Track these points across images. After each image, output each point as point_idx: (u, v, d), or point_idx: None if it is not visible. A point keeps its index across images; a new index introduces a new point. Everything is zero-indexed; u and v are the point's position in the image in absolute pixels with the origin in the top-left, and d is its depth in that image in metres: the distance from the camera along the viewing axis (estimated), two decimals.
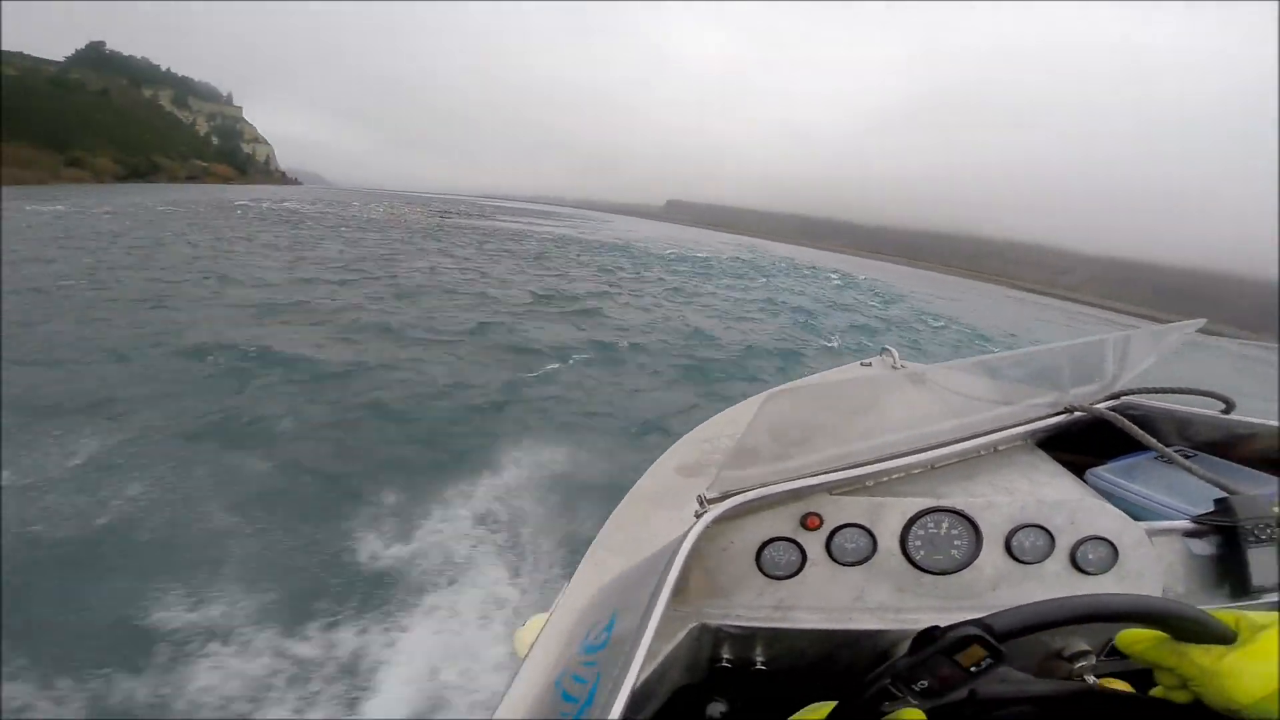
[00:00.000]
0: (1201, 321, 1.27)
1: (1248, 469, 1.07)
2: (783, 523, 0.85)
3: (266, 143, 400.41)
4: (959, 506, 0.87)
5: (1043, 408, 1.12)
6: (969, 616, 0.55)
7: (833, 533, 0.84)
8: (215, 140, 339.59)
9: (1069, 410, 1.11)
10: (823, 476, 0.85)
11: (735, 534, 0.84)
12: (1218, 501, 0.87)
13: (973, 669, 0.52)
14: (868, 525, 0.85)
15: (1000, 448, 1.06)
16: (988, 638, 0.52)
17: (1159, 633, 0.58)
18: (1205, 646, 0.56)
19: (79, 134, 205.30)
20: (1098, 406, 1.12)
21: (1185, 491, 0.96)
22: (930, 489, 0.92)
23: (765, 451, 0.86)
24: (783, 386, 1.21)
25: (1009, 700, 0.57)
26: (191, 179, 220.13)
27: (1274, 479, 1.02)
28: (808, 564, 0.84)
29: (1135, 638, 0.61)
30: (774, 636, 0.79)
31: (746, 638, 0.78)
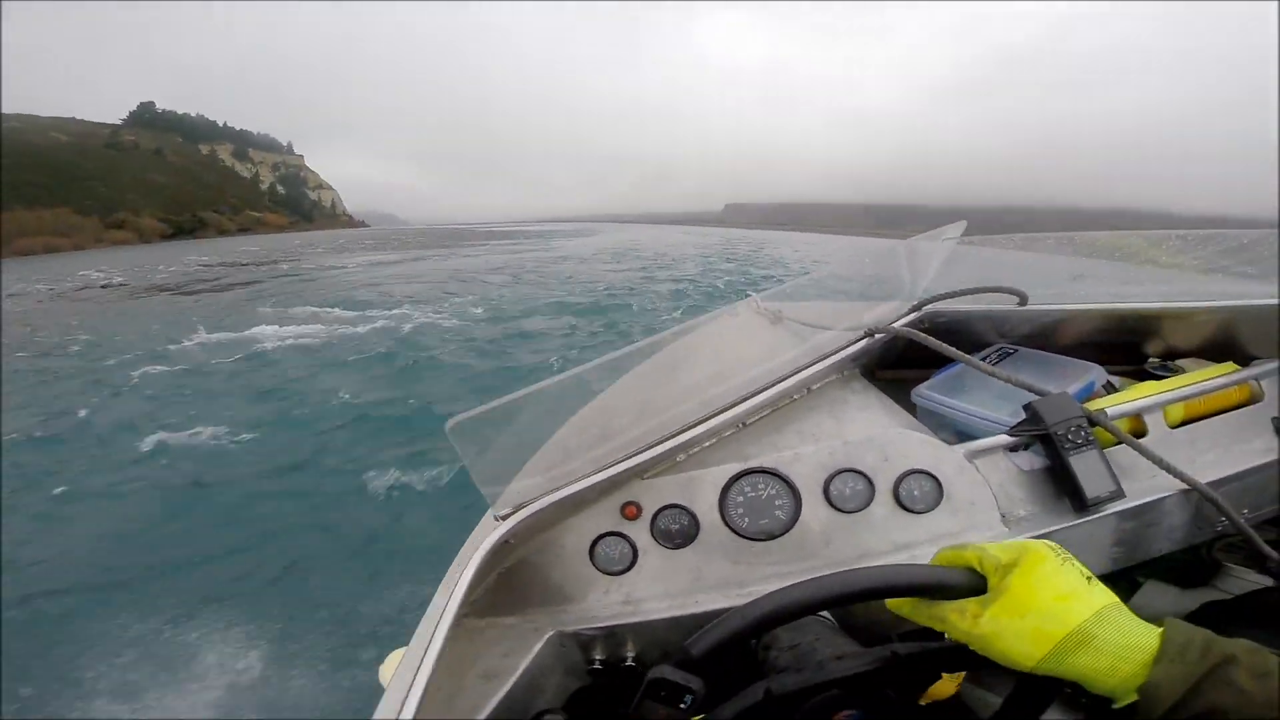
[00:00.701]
0: (963, 224, 1.33)
1: (1066, 358, 1.08)
2: (605, 517, 0.84)
3: (330, 188, 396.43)
4: (768, 465, 0.85)
5: (848, 334, 1.09)
6: (811, 576, 0.53)
7: (654, 517, 0.84)
8: (281, 189, 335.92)
9: (870, 333, 1.09)
10: (630, 461, 0.84)
11: (566, 536, 0.83)
12: (1025, 407, 0.85)
13: (681, 705, 0.51)
14: (684, 504, 0.84)
15: (813, 386, 1.03)
16: (672, 678, 0.51)
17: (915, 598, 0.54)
18: (957, 604, 0.52)
19: (129, 195, 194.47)
20: (895, 325, 1.10)
21: (1008, 397, 0.93)
22: (740, 450, 0.90)
23: (577, 446, 0.86)
24: (604, 358, 1.10)
25: (810, 689, 0.55)
26: (244, 230, 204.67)
27: (1093, 366, 1.04)
28: (640, 554, 0.82)
29: (896, 604, 0.56)
30: (632, 631, 0.77)
31: (607, 637, 0.77)
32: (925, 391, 1.04)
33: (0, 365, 9.07)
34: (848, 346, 1.08)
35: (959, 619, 0.50)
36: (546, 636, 0.74)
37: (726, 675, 0.56)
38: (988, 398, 0.98)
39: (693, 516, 0.84)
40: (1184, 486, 0.79)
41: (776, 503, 0.84)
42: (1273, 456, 0.86)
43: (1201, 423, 0.91)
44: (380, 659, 0.68)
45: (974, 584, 0.52)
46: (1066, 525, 0.78)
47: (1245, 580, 0.87)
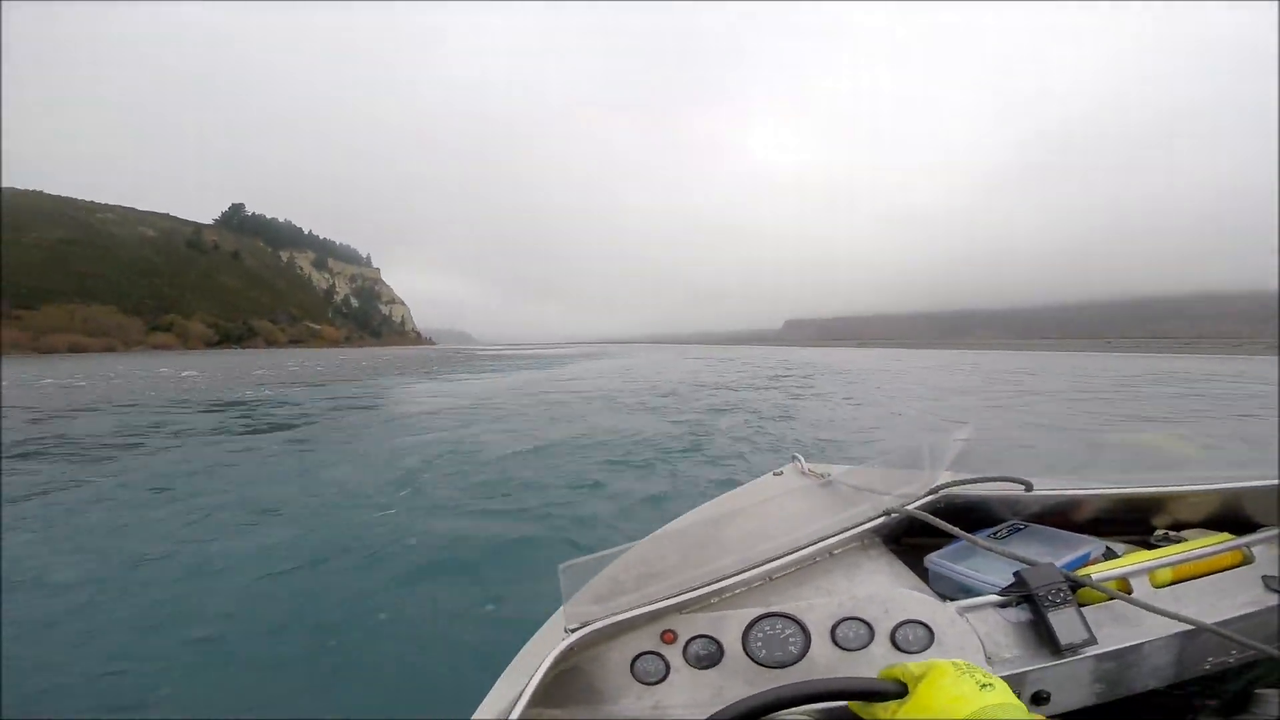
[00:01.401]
0: (970, 426, 1.38)
1: (1069, 533, 1.22)
2: (647, 639, 0.99)
3: (403, 303, 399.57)
4: (786, 610, 1.00)
5: (873, 509, 1.27)
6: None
7: (687, 644, 0.98)
8: (354, 302, 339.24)
9: (888, 512, 1.25)
10: (673, 599, 1.00)
11: (613, 651, 0.98)
12: (1015, 574, 0.99)
13: None
14: (713, 634, 0.98)
15: (835, 551, 1.19)
16: None
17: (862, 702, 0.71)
18: (885, 704, 0.68)
19: (190, 296, 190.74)
20: (910, 506, 1.26)
21: (1008, 567, 1.06)
22: (765, 598, 1.05)
23: (629, 583, 1.04)
24: (668, 527, 1.40)
25: None
26: (295, 343, 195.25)
27: (1092, 540, 1.18)
28: (671, 671, 0.96)
29: (855, 706, 0.73)
30: None
31: None
32: (935, 558, 1.19)
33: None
34: (868, 522, 1.24)
35: (881, 712, 0.68)
36: None
37: None
38: (992, 565, 1.11)
39: (719, 645, 0.98)
40: (1167, 633, 0.93)
41: (791, 640, 0.98)
42: (1258, 607, 0.98)
43: (1190, 582, 1.03)
44: None
45: (898, 691, 0.68)
46: (1045, 665, 0.90)
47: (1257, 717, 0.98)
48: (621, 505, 5.38)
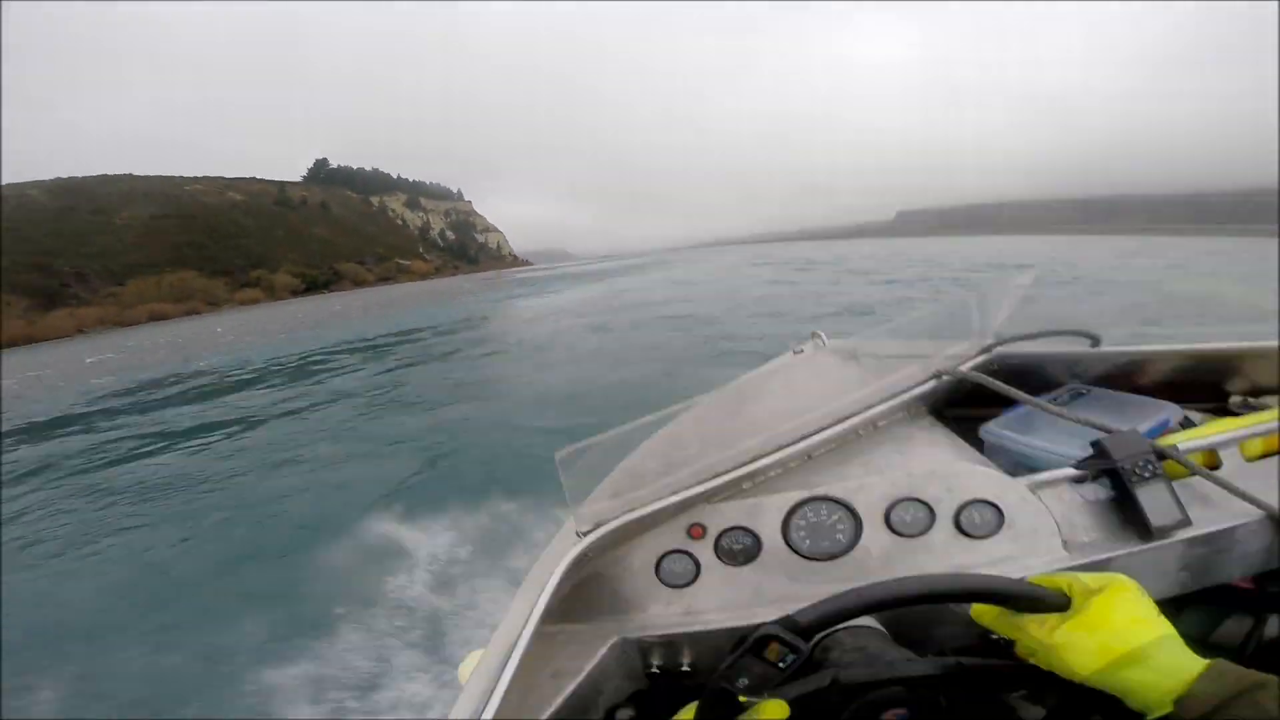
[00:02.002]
0: (1034, 270, 1.29)
1: (1141, 397, 1.07)
2: (672, 536, 0.89)
3: (498, 230, 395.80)
4: (831, 493, 0.88)
5: (916, 375, 1.13)
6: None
7: (718, 537, 0.88)
8: (450, 235, 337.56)
9: (937, 374, 1.12)
10: (699, 487, 0.90)
11: (635, 553, 0.89)
12: (1093, 444, 0.86)
13: (779, 664, 0.55)
14: (749, 525, 0.88)
15: (880, 423, 1.07)
16: (783, 635, 0.55)
17: (1000, 607, 0.59)
18: (1040, 617, 0.57)
19: (278, 251, 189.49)
20: (962, 368, 1.12)
21: (1077, 435, 0.94)
22: (805, 480, 0.94)
23: (649, 472, 0.92)
24: (683, 404, 1.22)
25: (874, 684, 0.58)
26: (385, 280, 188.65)
27: (1167, 404, 1.03)
28: (702, 570, 0.87)
29: (980, 611, 0.62)
30: (689, 640, 0.83)
31: (665, 645, 0.83)
32: (993, 428, 1.05)
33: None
34: (915, 387, 1.10)
35: (1037, 629, 0.57)
36: (610, 642, 0.81)
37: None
38: (1056, 435, 0.99)
39: (755, 537, 0.88)
40: (1261, 514, 0.80)
41: (839, 527, 0.87)
42: None
43: None
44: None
45: (1059, 603, 0.57)
46: (1130, 551, 0.79)
47: None
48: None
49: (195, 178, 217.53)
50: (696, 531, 0.89)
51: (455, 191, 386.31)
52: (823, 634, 0.65)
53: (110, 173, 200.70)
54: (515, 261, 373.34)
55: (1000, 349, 1.20)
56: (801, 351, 1.58)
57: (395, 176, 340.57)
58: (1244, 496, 0.80)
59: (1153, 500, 0.80)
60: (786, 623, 0.56)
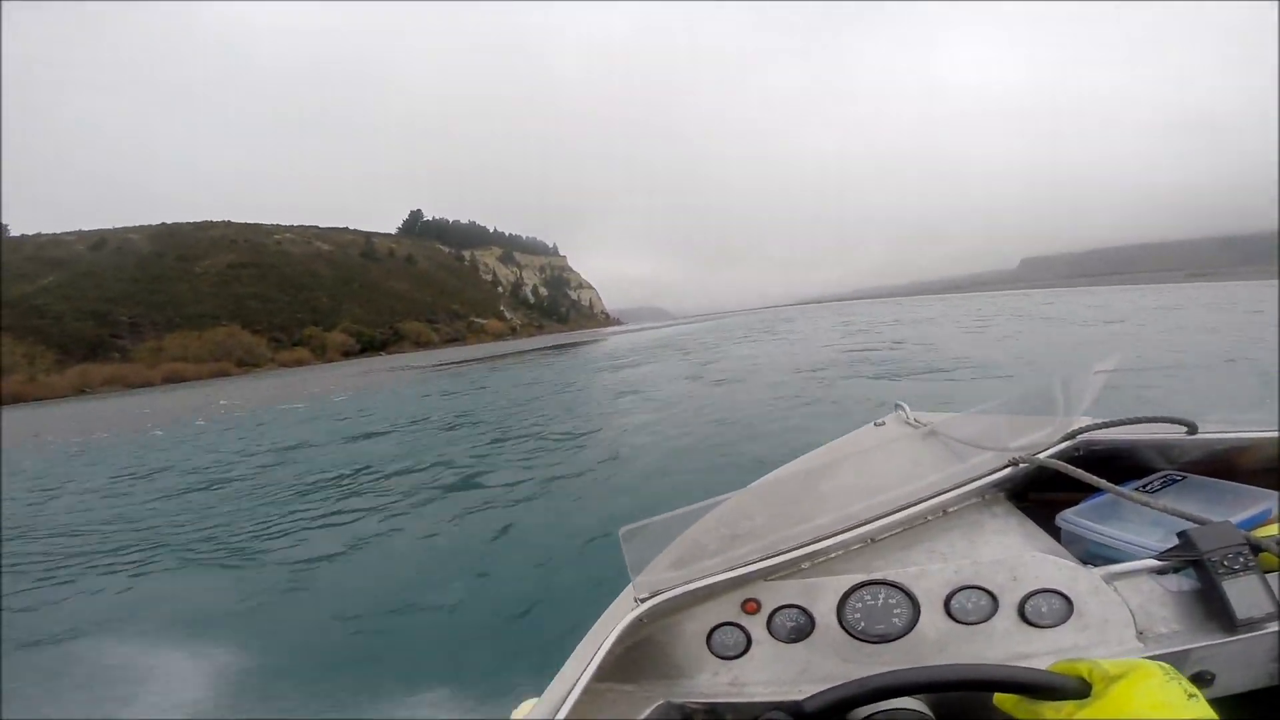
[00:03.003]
0: (1118, 356, 1.31)
1: (1241, 485, 1.02)
2: (727, 609, 0.90)
3: (590, 287, 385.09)
4: (890, 578, 0.88)
5: (992, 461, 1.11)
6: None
7: (772, 614, 0.88)
8: (544, 290, 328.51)
9: (1014, 461, 1.10)
10: (758, 564, 0.91)
11: (688, 622, 0.90)
12: (1179, 535, 0.83)
13: None
14: (803, 604, 0.88)
15: (950, 509, 1.05)
16: (781, 719, 0.55)
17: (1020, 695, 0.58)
18: (1057, 704, 0.55)
19: (348, 306, 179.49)
20: (1040, 455, 1.10)
21: (1164, 525, 0.91)
22: (867, 564, 0.94)
23: (710, 547, 0.95)
24: (756, 483, 1.23)
25: None
26: (452, 341, 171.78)
27: (1272, 493, 0.98)
28: (753, 644, 0.88)
29: (1001, 698, 0.60)
30: (731, 709, 0.83)
31: (707, 712, 0.83)
32: (1070, 516, 1.02)
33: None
34: (990, 474, 1.08)
35: (1054, 715, 0.55)
36: (656, 704, 0.81)
37: None
38: (1141, 525, 0.95)
39: (809, 616, 0.87)
40: None
41: (895, 611, 0.86)
42: None
43: None
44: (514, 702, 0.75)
45: (1079, 690, 0.54)
46: (1213, 643, 0.75)
47: None
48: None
49: (287, 226, 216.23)
50: (751, 606, 0.89)
51: (551, 246, 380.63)
52: (867, 714, 0.65)
53: (213, 219, 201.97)
54: (607, 320, 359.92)
55: (1085, 436, 1.16)
56: (883, 424, 1.52)
57: (492, 230, 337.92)
58: None
59: (1241, 592, 0.76)
60: (790, 707, 0.57)
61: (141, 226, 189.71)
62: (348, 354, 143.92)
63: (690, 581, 0.89)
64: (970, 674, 0.57)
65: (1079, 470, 1.02)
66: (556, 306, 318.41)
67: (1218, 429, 1.10)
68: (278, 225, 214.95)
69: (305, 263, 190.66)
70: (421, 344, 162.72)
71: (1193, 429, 1.11)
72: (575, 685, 0.74)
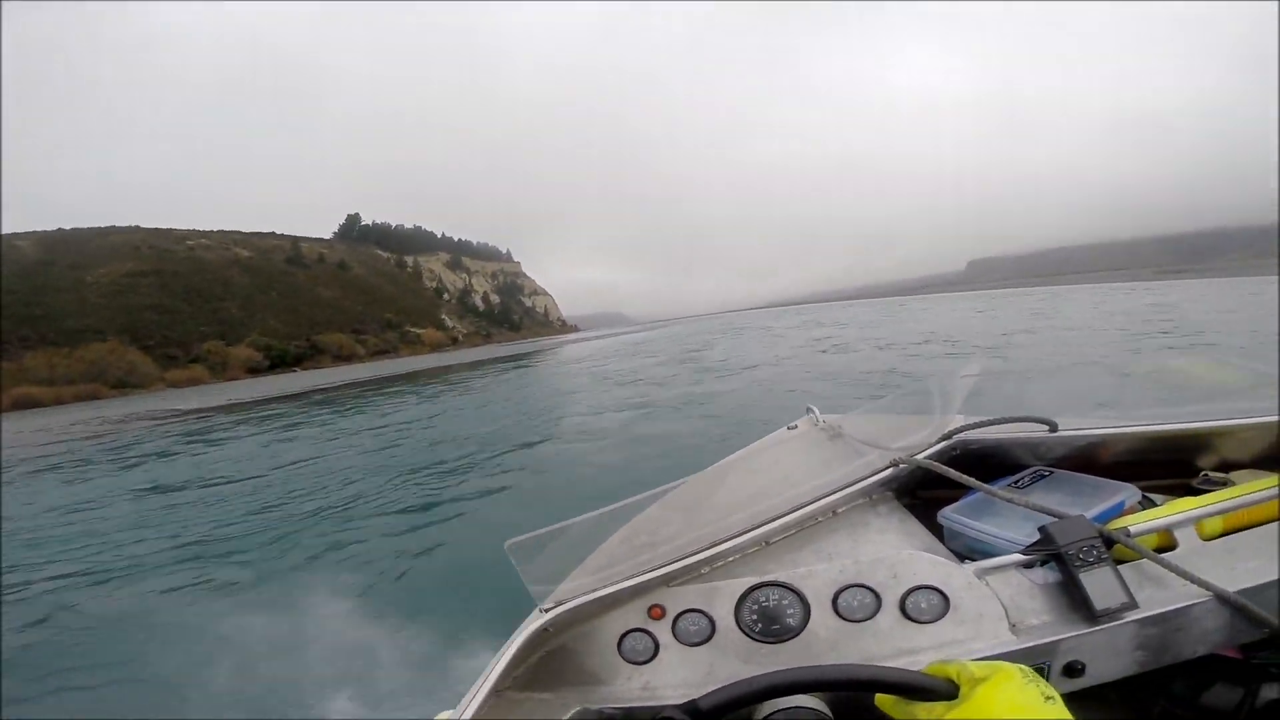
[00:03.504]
0: (981, 362, 1.45)
1: (1101, 479, 1.08)
2: (634, 616, 0.93)
3: (546, 294, 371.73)
4: (781, 579, 0.91)
5: (876, 462, 1.16)
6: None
7: (676, 619, 0.92)
8: (495, 298, 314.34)
9: (895, 463, 1.14)
10: (660, 570, 0.94)
11: (599, 629, 0.93)
12: (1040, 529, 0.88)
13: None
14: (703, 608, 0.91)
15: (839, 510, 1.10)
16: (678, 717, 0.58)
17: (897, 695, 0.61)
18: (929, 705, 0.59)
19: (260, 316, 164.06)
20: (922, 455, 1.15)
21: (1033, 519, 0.96)
22: (761, 566, 0.97)
23: (619, 554, 0.99)
24: (661, 489, 1.28)
25: None
26: (380, 354, 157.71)
27: (1126, 486, 1.04)
28: (661, 649, 0.90)
29: (881, 698, 0.63)
30: (644, 713, 0.84)
31: (624, 717, 0.85)
32: (949, 513, 1.07)
33: None
34: (873, 475, 1.13)
35: (924, 713, 0.59)
36: (573, 711, 0.83)
37: None
38: (1010, 520, 1.00)
39: (710, 620, 0.91)
40: (1218, 594, 0.79)
41: (788, 611, 0.90)
42: None
43: (1243, 533, 0.90)
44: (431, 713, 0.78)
45: (948, 691, 0.58)
46: (1079, 633, 0.79)
47: None
48: None
49: (204, 231, 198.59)
50: (656, 612, 0.92)
51: (505, 252, 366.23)
52: (768, 712, 0.69)
53: (120, 224, 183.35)
54: (564, 327, 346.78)
55: (960, 435, 1.20)
56: (795, 427, 1.58)
57: (439, 235, 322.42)
58: (1190, 578, 0.80)
59: (1097, 584, 0.80)
60: (688, 707, 0.60)
61: (31, 233, 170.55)
62: (254, 371, 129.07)
63: (594, 590, 0.91)
64: (850, 674, 0.61)
65: (950, 470, 1.08)
66: (509, 314, 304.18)
67: (1076, 426, 1.16)
68: (194, 230, 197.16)
69: (219, 270, 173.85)
70: (344, 358, 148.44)
71: (1053, 427, 1.16)
72: (480, 689, 0.78)
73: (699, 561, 0.97)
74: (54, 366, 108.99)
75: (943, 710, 0.57)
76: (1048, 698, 0.55)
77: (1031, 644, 0.79)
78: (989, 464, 1.18)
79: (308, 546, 5.79)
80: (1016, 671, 0.57)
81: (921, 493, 1.25)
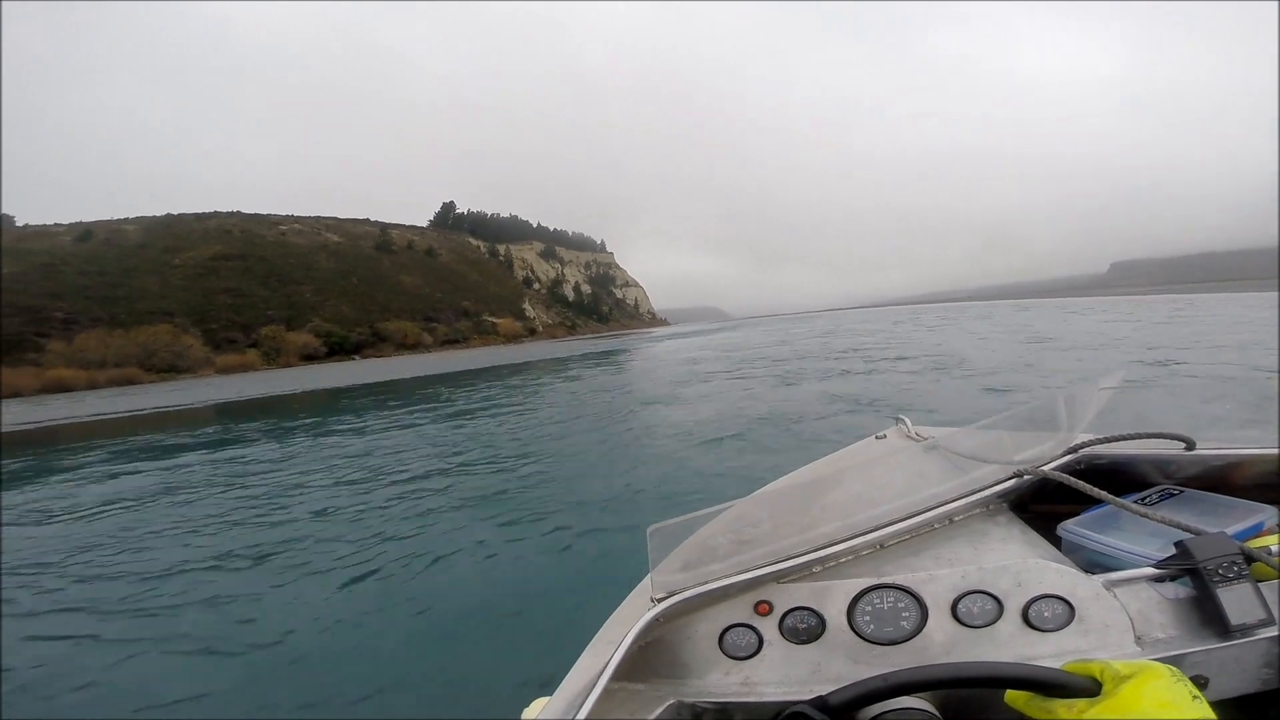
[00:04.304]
0: (1121, 374, 1.39)
1: (1237, 499, 1.04)
2: (739, 611, 0.90)
3: (638, 285, 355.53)
4: (899, 582, 0.89)
5: (997, 473, 1.13)
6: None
7: (784, 616, 0.89)
8: (586, 289, 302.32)
9: (1019, 474, 1.11)
10: (771, 567, 0.91)
11: (700, 623, 0.90)
12: (1176, 544, 0.85)
13: None
14: (814, 607, 0.88)
15: (956, 518, 1.07)
16: (811, 713, 0.56)
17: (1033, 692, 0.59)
18: (1069, 702, 0.57)
19: (332, 302, 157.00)
20: (1045, 467, 1.12)
21: (1161, 536, 0.93)
22: (876, 569, 0.94)
23: (721, 549, 0.95)
24: (765, 489, 1.26)
25: None
26: (450, 343, 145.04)
27: (1268, 507, 1.00)
28: (765, 645, 0.88)
29: (1013, 696, 0.61)
30: (742, 709, 0.83)
31: (718, 711, 0.83)
32: (1071, 526, 1.04)
33: None
34: (995, 485, 1.09)
35: (1065, 713, 0.56)
36: (667, 704, 0.81)
37: None
38: (1139, 536, 0.96)
39: (820, 618, 0.88)
40: None
41: (904, 615, 0.86)
42: None
43: None
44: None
45: (1089, 688, 0.56)
46: (1207, 648, 0.76)
47: None
48: None
49: (298, 217, 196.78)
50: (763, 608, 0.89)
51: (599, 243, 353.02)
52: (876, 713, 0.66)
53: (223, 210, 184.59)
54: (654, 320, 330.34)
55: (1087, 450, 1.17)
56: (884, 437, 1.54)
57: (535, 225, 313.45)
58: None
59: (1235, 599, 0.77)
60: (818, 702, 0.58)
61: (141, 218, 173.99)
62: (309, 358, 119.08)
63: (706, 583, 0.89)
64: (987, 671, 0.59)
65: (1080, 482, 1.04)
66: (598, 305, 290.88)
67: (1215, 445, 1.12)
68: (289, 216, 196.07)
69: (305, 255, 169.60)
70: (409, 346, 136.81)
71: (1190, 445, 1.13)
72: (595, 684, 0.73)
73: (811, 561, 0.94)
74: (108, 346, 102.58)
75: (1084, 706, 0.56)
76: (1195, 697, 0.53)
77: (1157, 656, 0.76)
78: (1113, 481, 1.11)
79: None
80: (1165, 670, 0.56)
81: (1036, 508, 1.20)
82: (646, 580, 0.93)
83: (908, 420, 1.58)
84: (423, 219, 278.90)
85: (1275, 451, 1.07)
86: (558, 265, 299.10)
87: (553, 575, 3.88)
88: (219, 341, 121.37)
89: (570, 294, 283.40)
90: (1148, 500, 1.08)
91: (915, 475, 1.25)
